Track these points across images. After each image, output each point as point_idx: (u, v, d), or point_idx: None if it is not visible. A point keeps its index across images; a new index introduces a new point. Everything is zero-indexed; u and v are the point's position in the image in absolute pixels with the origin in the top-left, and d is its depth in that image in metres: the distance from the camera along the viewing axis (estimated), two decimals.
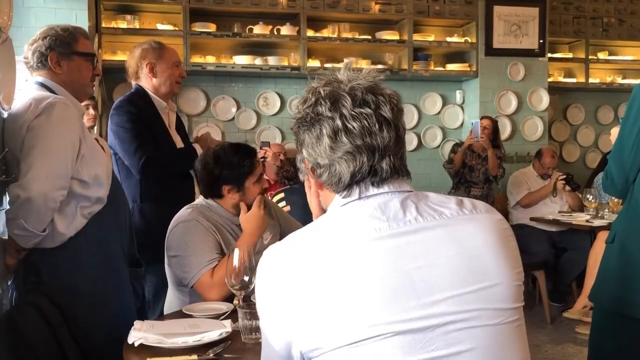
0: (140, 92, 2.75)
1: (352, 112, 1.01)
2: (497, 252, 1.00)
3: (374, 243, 0.96)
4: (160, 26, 4.73)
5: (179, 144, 2.80)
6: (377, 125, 1.01)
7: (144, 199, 2.68)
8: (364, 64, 5.08)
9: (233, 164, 2.15)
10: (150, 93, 2.75)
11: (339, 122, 1.01)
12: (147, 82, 2.76)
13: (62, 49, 2.01)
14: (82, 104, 3.55)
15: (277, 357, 1.01)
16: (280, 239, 1.09)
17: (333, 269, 0.95)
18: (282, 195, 3.77)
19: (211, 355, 1.49)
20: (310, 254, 0.97)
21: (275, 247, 1.02)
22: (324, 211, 1.12)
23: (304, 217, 2.89)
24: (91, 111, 3.71)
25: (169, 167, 2.72)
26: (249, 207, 2.15)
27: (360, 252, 0.95)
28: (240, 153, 2.17)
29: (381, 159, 1.02)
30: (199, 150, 2.76)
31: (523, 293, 1.06)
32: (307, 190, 1.18)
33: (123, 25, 4.61)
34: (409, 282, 0.94)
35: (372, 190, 1.03)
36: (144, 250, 2.27)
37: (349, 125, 1.01)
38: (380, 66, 5.14)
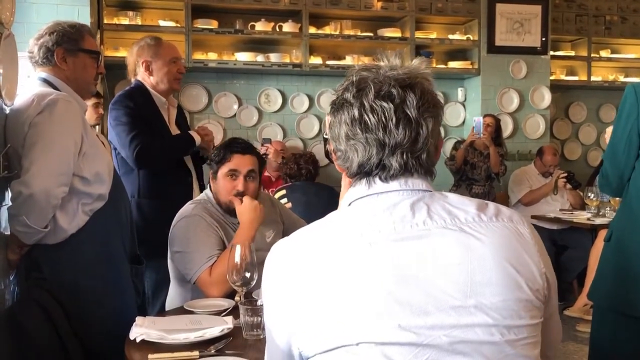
0: (140, 87, 2.74)
1: (372, 104, 0.99)
2: (506, 269, 0.95)
3: (376, 246, 0.94)
4: (162, 22, 4.72)
5: None
6: (394, 121, 0.98)
7: (142, 194, 2.67)
8: (366, 61, 5.06)
9: (216, 150, 2.23)
10: (150, 89, 2.74)
11: (356, 112, 1.00)
12: (145, 79, 2.75)
13: (68, 45, 2.02)
14: (92, 102, 3.59)
15: (280, 353, 1.01)
16: (284, 236, 1.08)
17: (333, 269, 0.94)
18: (283, 192, 3.78)
19: (213, 351, 1.50)
20: (313, 252, 0.97)
21: (283, 242, 1.03)
22: None
23: (305, 214, 2.90)
24: (100, 110, 3.73)
25: (163, 154, 2.70)
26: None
27: (360, 254, 0.94)
28: (226, 143, 2.23)
29: (391, 155, 0.99)
30: (196, 138, 2.74)
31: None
32: (342, 181, 1.21)
33: (125, 21, 4.61)
34: (406, 290, 0.91)
35: (380, 185, 1.01)
36: (142, 246, 2.27)
37: (365, 116, 0.99)
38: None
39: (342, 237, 0.96)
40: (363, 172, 1.02)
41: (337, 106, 1.04)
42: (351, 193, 1.04)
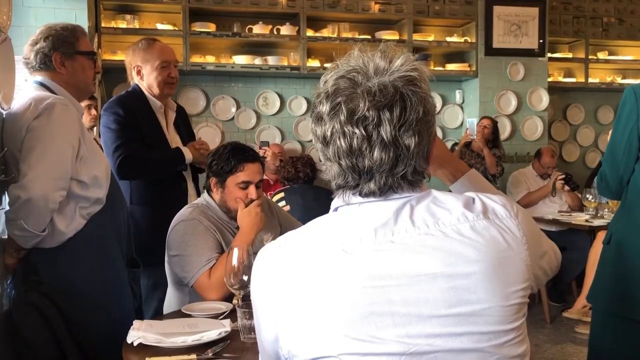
0: (137, 91, 2.70)
1: (345, 129, 0.92)
2: (491, 273, 0.91)
3: (355, 255, 0.91)
4: (160, 26, 4.73)
5: (177, 144, 2.74)
6: (368, 148, 0.92)
7: (135, 202, 2.63)
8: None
9: (221, 157, 2.16)
10: (146, 92, 2.69)
11: (329, 133, 0.94)
12: (140, 82, 2.71)
13: (65, 49, 2.01)
14: (85, 104, 3.59)
15: (269, 358, 1.00)
16: None
17: (314, 278, 0.92)
18: (281, 195, 3.77)
19: (210, 354, 1.50)
20: (297, 259, 0.95)
21: (269, 247, 1.01)
22: None
23: (304, 216, 2.90)
24: (93, 111, 3.73)
25: (147, 169, 2.63)
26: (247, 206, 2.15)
27: (340, 262, 0.91)
28: (233, 150, 2.17)
29: (368, 180, 0.94)
30: (187, 155, 2.66)
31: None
32: None
33: (123, 25, 4.61)
34: (385, 299, 0.89)
35: (359, 199, 0.97)
36: (135, 253, 2.26)
37: (338, 141, 0.93)
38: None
39: (324, 245, 0.94)
40: (341, 188, 0.98)
41: (314, 117, 0.98)
42: (335, 201, 1.01)
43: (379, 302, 0.89)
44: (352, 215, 0.97)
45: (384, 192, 0.95)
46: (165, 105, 2.76)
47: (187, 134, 2.86)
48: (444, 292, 0.90)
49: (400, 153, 0.93)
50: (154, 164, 2.66)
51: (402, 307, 0.89)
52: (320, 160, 1.02)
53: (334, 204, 1.01)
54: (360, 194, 0.96)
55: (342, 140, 0.93)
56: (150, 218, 2.58)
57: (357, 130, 0.92)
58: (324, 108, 0.95)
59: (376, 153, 0.92)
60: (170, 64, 2.69)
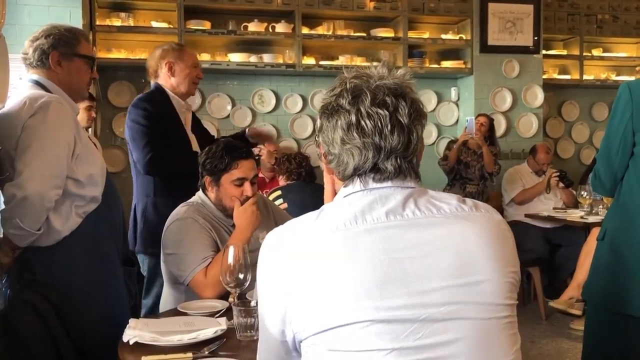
0: (160, 90, 2.83)
1: (369, 111, 1.04)
2: (489, 250, 1.03)
3: (370, 232, 1.00)
4: (154, 24, 4.71)
5: (194, 144, 2.84)
6: (389, 127, 1.04)
7: (158, 193, 2.72)
8: (359, 62, 5.10)
9: (215, 156, 2.17)
10: (169, 92, 2.83)
11: (353, 117, 1.05)
12: (166, 81, 2.84)
13: (64, 49, 2.01)
14: (85, 105, 3.60)
15: (273, 342, 1.05)
16: None
17: (327, 252, 0.99)
18: (278, 192, 3.77)
19: (206, 352, 1.50)
20: (307, 236, 1.02)
21: (277, 229, 1.08)
22: None
23: (301, 214, 2.90)
24: (92, 113, 3.74)
25: (173, 167, 2.73)
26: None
27: (355, 238, 0.99)
28: (226, 148, 2.17)
29: (386, 159, 1.05)
30: None
31: (518, 289, 1.09)
32: (325, 176, 1.30)
33: (117, 22, 4.60)
34: (399, 270, 0.98)
35: (373, 185, 1.06)
36: (157, 243, 2.27)
37: (362, 122, 1.04)
38: (375, 64, 5.14)
39: (336, 223, 1.02)
40: (357, 174, 1.07)
41: (331, 111, 1.08)
42: (345, 190, 1.09)
43: (394, 273, 0.98)
44: (363, 201, 1.05)
45: (397, 173, 1.06)
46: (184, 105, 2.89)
47: (204, 135, 2.99)
48: (452, 264, 1.00)
49: (411, 138, 1.06)
50: (179, 163, 2.75)
51: (414, 278, 0.98)
52: (329, 155, 1.09)
53: (344, 192, 1.09)
54: (374, 179, 1.06)
55: (367, 120, 1.04)
56: (172, 209, 2.62)
57: (380, 111, 1.04)
58: (345, 101, 1.06)
59: (395, 134, 1.05)
60: (199, 65, 2.98)
